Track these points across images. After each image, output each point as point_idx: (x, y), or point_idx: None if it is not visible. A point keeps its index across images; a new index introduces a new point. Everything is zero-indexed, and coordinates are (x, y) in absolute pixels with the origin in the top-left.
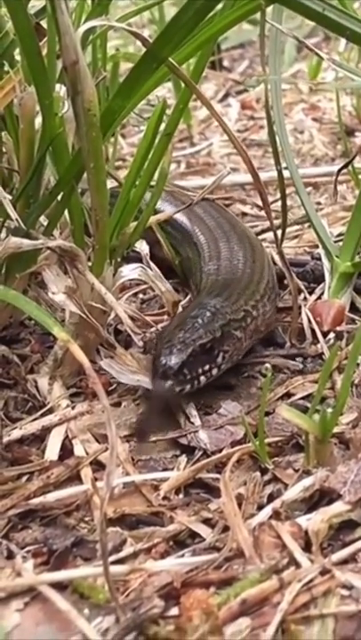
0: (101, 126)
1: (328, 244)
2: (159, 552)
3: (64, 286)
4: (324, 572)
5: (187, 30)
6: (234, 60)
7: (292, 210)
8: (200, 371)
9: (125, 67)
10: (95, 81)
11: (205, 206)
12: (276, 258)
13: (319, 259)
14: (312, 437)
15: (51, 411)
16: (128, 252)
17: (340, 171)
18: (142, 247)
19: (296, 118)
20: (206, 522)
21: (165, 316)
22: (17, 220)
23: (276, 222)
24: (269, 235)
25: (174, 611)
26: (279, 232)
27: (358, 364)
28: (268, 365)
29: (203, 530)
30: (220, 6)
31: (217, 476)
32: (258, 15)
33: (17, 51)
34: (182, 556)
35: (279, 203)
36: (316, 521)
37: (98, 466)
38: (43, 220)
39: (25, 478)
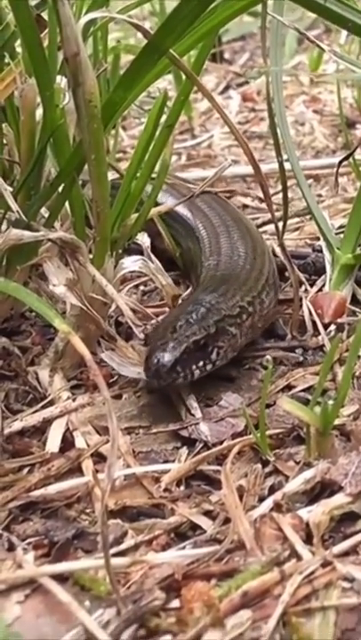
0: (102, 118)
1: (329, 236)
2: (160, 544)
3: (65, 278)
4: (325, 564)
5: (188, 22)
6: (235, 53)
7: (293, 202)
8: (193, 367)
9: (126, 59)
10: (96, 73)
11: (209, 200)
12: (278, 250)
13: (320, 251)
14: (313, 429)
15: (52, 403)
16: (129, 244)
17: (341, 163)
18: (143, 239)
19: (297, 110)
20: (207, 514)
21: (166, 309)
22: (18, 211)
23: (277, 214)
24: (270, 227)
25: (175, 603)
26: (280, 224)
27: (359, 356)
28: (268, 357)
29: (204, 522)
30: None
31: (218, 468)
32: (259, 7)
33: (18, 42)
34: (183, 548)
35: (280, 195)
36: (317, 513)
37: (99, 458)
38: (44, 211)
39: (26, 470)
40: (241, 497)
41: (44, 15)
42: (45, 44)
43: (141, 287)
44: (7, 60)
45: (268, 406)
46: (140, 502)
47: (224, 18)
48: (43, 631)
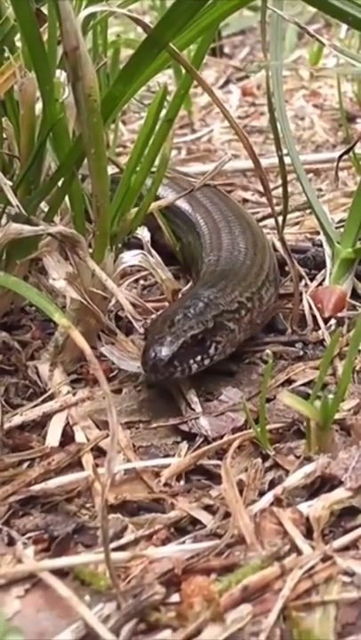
0: (102, 112)
1: (329, 231)
2: (160, 539)
3: (65, 272)
4: (325, 558)
5: (188, 16)
6: (234, 47)
7: (293, 196)
8: (191, 361)
9: (126, 54)
10: (96, 67)
11: (211, 195)
12: (278, 244)
13: (320, 245)
14: (313, 424)
15: (51, 397)
16: (129, 238)
17: (341, 157)
18: (143, 234)
19: (297, 105)
20: (207, 508)
21: (166, 303)
22: (17, 206)
23: (277, 209)
24: (270, 221)
25: (175, 597)
26: (280, 218)
27: (360, 351)
28: (269, 352)
29: (204, 516)
30: None
31: (218, 462)
32: (259, 1)
33: (17, 36)
34: (183, 542)
35: (280, 189)
36: (317, 507)
37: (99, 452)
38: (43, 206)
39: (26, 465)
40: (241, 491)
41: (44, 9)
42: (45, 38)
43: (141, 281)
44: (7, 54)
45: (268, 401)
46: (140, 497)
47: (224, 12)
48: (43, 626)
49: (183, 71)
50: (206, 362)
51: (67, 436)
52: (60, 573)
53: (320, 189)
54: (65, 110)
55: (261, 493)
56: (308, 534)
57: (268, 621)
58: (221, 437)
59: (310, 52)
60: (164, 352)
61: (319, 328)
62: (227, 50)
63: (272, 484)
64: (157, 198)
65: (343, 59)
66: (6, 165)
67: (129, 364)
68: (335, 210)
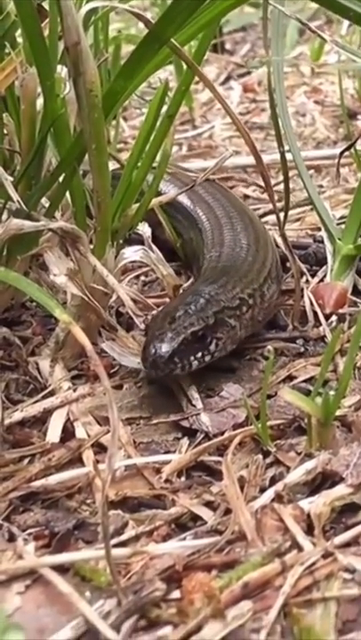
0: (103, 108)
1: (330, 227)
2: (161, 535)
3: (66, 268)
4: (326, 555)
5: (189, 12)
6: (236, 44)
7: (294, 193)
8: (191, 358)
9: (127, 50)
10: (97, 62)
11: (213, 192)
12: (279, 240)
13: (321, 241)
14: (314, 420)
15: (52, 393)
16: (130, 234)
17: (342, 153)
18: (145, 229)
19: (298, 101)
20: (208, 505)
21: (167, 299)
22: (18, 201)
23: (279, 205)
24: (272, 217)
25: (176, 594)
26: (282, 215)
27: None
28: (270, 348)
29: (205, 513)
30: None
31: (219, 458)
32: None
33: (18, 32)
34: (184, 539)
35: (281, 185)
36: (318, 504)
37: (99, 448)
38: (44, 201)
39: (26, 461)
40: (242, 488)
41: (45, 5)
42: (46, 33)
43: (142, 277)
44: (8, 49)
45: (269, 397)
46: (140, 493)
47: (225, 8)
48: (43, 622)
49: (184, 67)
50: (207, 358)
51: (67, 432)
52: (61, 569)
53: (321, 186)
54: (66, 106)
55: (262, 490)
56: (309, 531)
57: (268, 618)
58: (222, 434)
59: (311, 48)
60: (165, 348)
61: (320, 324)
62: (228, 46)
63: (273, 481)
64: (159, 194)
65: (345, 55)
66: (7, 161)
67: (130, 360)
68: (336, 206)
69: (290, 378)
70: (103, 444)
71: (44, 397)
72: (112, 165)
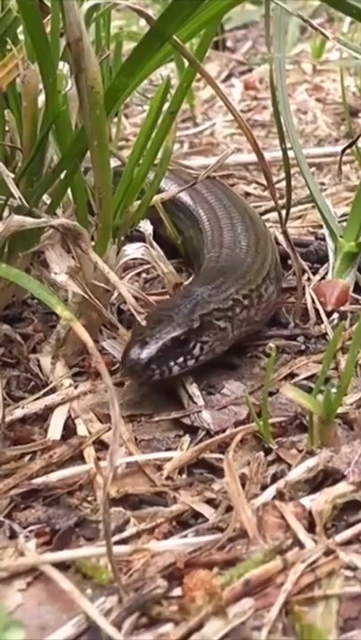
0: (105, 104)
1: (332, 225)
2: (162, 532)
3: (66, 267)
4: (328, 552)
5: (191, 8)
6: (237, 41)
7: (296, 190)
8: (171, 363)
9: (128, 47)
10: (99, 59)
11: (215, 191)
12: (281, 238)
13: (323, 239)
14: (316, 418)
15: (53, 390)
16: (132, 231)
17: (344, 151)
18: (146, 227)
19: (300, 99)
20: (210, 502)
21: (168, 297)
22: (20, 198)
23: (280, 202)
24: (273, 215)
25: (177, 591)
26: (283, 212)
27: None
28: (272, 345)
29: (206, 510)
30: None
31: (220, 456)
32: None
33: (20, 28)
34: (185, 536)
35: (283, 183)
36: (319, 501)
37: (101, 445)
38: (46, 198)
39: (27, 458)
40: (243, 485)
41: (47, 1)
42: (48, 29)
43: (143, 275)
44: (9, 45)
45: (270, 394)
46: (142, 490)
47: (227, 5)
48: (44, 619)
49: (186, 64)
50: (190, 362)
51: (69, 430)
52: (62, 567)
53: (322, 183)
54: (67, 102)
55: (264, 487)
56: (311, 528)
57: (270, 615)
58: (224, 431)
59: (313, 46)
60: (142, 355)
61: (322, 322)
62: (229, 44)
63: (274, 478)
64: (160, 191)
65: (346, 52)
66: (9, 157)
67: None
68: (338, 204)
69: (291, 375)
70: (104, 441)
71: (46, 394)
72: (113, 162)
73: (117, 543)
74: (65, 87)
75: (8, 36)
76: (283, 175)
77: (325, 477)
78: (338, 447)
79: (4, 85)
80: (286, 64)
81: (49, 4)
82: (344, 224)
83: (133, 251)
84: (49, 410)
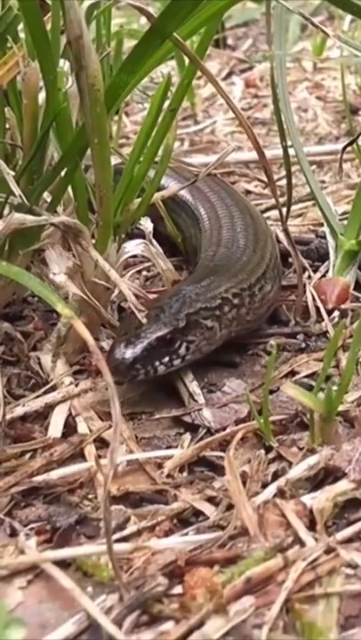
0: (105, 102)
1: (333, 222)
2: (163, 530)
3: (66, 267)
4: (328, 550)
5: (192, 6)
6: (238, 39)
7: (297, 188)
8: (157, 363)
9: (129, 45)
10: (99, 57)
11: (218, 190)
12: (282, 236)
13: (324, 237)
14: (317, 415)
15: (54, 388)
16: (132, 229)
17: (344, 149)
18: (146, 224)
19: (300, 97)
20: (210, 500)
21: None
22: (20, 195)
23: (281, 200)
24: (274, 213)
25: (178, 589)
26: (284, 210)
27: None
28: (273, 343)
29: (207, 508)
30: None
31: (221, 454)
32: None
33: (21, 26)
34: (186, 534)
35: (283, 181)
36: (320, 499)
37: (101, 443)
38: (46, 196)
39: (28, 456)
40: (244, 483)
41: None
42: (48, 27)
43: (144, 272)
44: (10, 43)
45: (271, 392)
46: (142, 488)
47: (227, 2)
48: (45, 617)
49: (187, 62)
50: (176, 362)
51: (69, 427)
52: (63, 564)
53: (323, 181)
54: (68, 100)
55: (265, 485)
56: (312, 526)
57: (271, 613)
58: (224, 429)
59: (313, 44)
60: (126, 355)
61: (323, 320)
62: (230, 41)
63: (275, 476)
64: (161, 189)
65: (347, 50)
66: (9, 155)
67: None
68: (339, 202)
69: (292, 373)
70: (105, 439)
71: (46, 392)
72: (114, 160)
73: (118, 541)
74: (65, 85)
75: (9, 34)
76: (283, 173)
77: (326, 475)
78: (339, 445)
79: (5, 83)
80: (287, 62)
81: (49, 2)
82: (345, 222)
83: (133, 248)
84: (49, 408)
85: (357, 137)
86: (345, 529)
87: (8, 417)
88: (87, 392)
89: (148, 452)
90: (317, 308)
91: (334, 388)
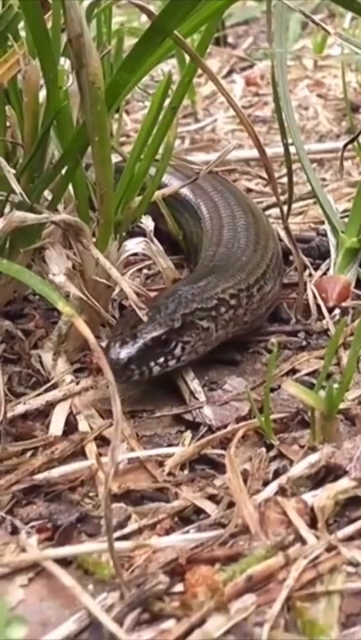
0: (106, 100)
1: (334, 220)
2: (164, 528)
3: (65, 268)
4: (329, 548)
5: (192, 3)
6: (238, 37)
7: (297, 186)
8: (152, 364)
9: (129, 43)
10: (100, 55)
11: (221, 189)
12: (282, 234)
13: (325, 235)
14: (318, 413)
15: (55, 386)
16: (133, 227)
17: (345, 146)
18: (147, 223)
19: (301, 95)
20: (211, 498)
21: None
22: (21, 194)
23: (282, 198)
24: (275, 211)
25: (179, 587)
26: (285, 208)
27: None
28: (274, 341)
29: (208, 506)
30: None
31: (222, 452)
32: None
33: (21, 24)
34: (187, 532)
35: (284, 179)
36: (321, 497)
37: (102, 441)
38: (47, 194)
39: (29, 454)
40: (245, 481)
41: None
42: (49, 25)
43: (145, 270)
44: (11, 41)
45: (272, 390)
46: (143, 486)
47: (228, 0)
48: (46, 615)
49: (187, 60)
50: (171, 363)
51: (70, 425)
52: (64, 562)
53: (324, 179)
54: (69, 98)
55: (266, 483)
56: (313, 524)
57: (272, 611)
58: (225, 427)
59: (314, 42)
60: (121, 355)
61: (323, 318)
62: (230, 40)
63: (276, 474)
64: (162, 187)
65: (347, 48)
66: (10, 153)
67: None
68: (339, 199)
69: (293, 371)
70: (106, 436)
71: (47, 390)
72: (115, 158)
73: (119, 539)
74: (66, 83)
75: (9, 32)
76: (284, 171)
77: (327, 473)
78: (340, 443)
79: (6, 81)
80: (288, 60)
81: (50, 0)
82: (346, 220)
83: (134, 246)
84: (50, 406)
85: (358, 135)
86: (346, 527)
87: (9, 415)
88: (88, 390)
89: (149, 450)
90: (318, 306)
91: (335, 385)
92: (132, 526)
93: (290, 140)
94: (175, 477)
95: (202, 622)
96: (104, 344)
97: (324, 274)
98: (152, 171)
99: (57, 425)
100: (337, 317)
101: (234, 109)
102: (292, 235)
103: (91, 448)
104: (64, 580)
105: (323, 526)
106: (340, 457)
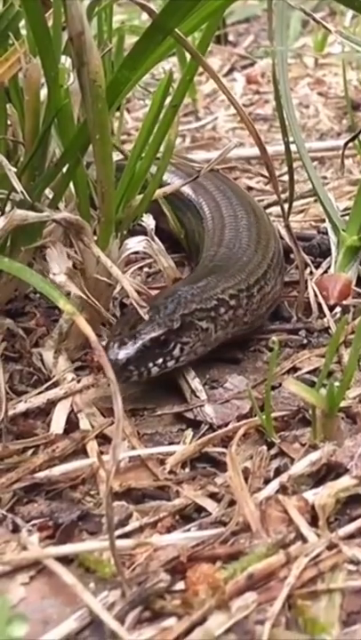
0: (107, 98)
1: (335, 218)
2: (165, 526)
3: (65, 267)
4: (330, 546)
5: (193, 1)
6: (239, 35)
7: (298, 184)
8: (150, 364)
9: (130, 41)
10: (101, 53)
11: (224, 189)
12: (283, 232)
13: (326, 233)
14: (319, 411)
15: (56, 384)
16: (134, 225)
17: (346, 144)
18: (149, 221)
19: (301, 93)
20: (212, 496)
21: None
22: (22, 192)
23: (283, 196)
24: (276, 209)
25: (180, 585)
26: (286, 206)
27: None
28: (275, 339)
29: (209, 504)
30: None
31: (223, 450)
32: None
33: (22, 22)
34: (188, 530)
35: (285, 177)
36: (322, 495)
37: (103, 439)
38: (48, 192)
39: (30, 452)
40: (246, 479)
41: None
42: (50, 23)
43: (146, 269)
44: (11, 39)
45: (273, 388)
46: (144, 484)
47: None
48: (47, 613)
49: (188, 58)
50: (170, 363)
51: (71, 424)
52: (65, 560)
53: (325, 177)
54: (70, 96)
55: (267, 481)
56: (314, 522)
57: (273, 609)
58: (226, 425)
59: (315, 40)
60: (120, 355)
61: (324, 316)
62: (231, 38)
63: (277, 472)
64: (163, 185)
65: (348, 46)
66: (11, 152)
67: None
68: (340, 198)
69: (294, 369)
70: (107, 435)
71: (48, 388)
72: (116, 157)
73: (120, 537)
74: (67, 81)
75: (10, 30)
76: (285, 169)
77: (328, 471)
78: (341, 441)
79: (7, 79)
80: (288, 58)
81: None
82: (346, 218)
83: (135, 244)
84: (51, 404)
85: (359, 133)
86: (347, 525)
87: (10, 413)
88: (89, 388)
89: (151, 449)
90: (319, 305)
91: (336, 384)
92: (133, 524)
93: (291, 138)
94: (176, 475)
95: (203, 620)
96: (104, 343)
97: (325, 272)
98: (153, 169)
99: (58, 423)
100: (338, 315)
101: (235, 107)
102: (292, 233)
103: (92, 446)
104: (65, 579)
105: (324, 524)
106: (341, 455)
